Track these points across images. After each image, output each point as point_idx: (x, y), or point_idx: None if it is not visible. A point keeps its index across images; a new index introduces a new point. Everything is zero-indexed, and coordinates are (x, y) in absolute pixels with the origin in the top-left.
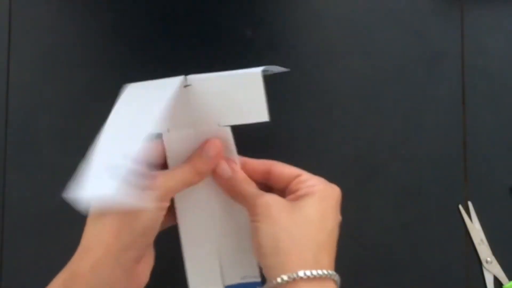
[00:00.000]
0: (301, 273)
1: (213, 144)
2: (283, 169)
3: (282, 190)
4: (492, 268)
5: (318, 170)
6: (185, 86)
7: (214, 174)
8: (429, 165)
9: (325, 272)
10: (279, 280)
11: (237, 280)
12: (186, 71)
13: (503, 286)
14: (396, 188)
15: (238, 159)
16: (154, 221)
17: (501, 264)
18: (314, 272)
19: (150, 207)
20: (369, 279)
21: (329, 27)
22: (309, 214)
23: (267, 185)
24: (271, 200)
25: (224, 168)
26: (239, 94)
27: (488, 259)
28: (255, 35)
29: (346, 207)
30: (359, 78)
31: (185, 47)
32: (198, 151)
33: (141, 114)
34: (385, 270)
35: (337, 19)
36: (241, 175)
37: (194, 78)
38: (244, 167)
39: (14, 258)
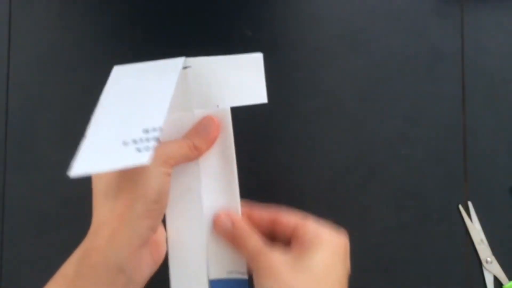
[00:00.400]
0: None
1: (210, 119)
2: (289, 219)
3: (287, 239)
4: (492, 268)
5: (318, 170)
6: (184, 67)
7: (214, 225)
8: (429, 165)
9: None
10: None
11: (222, 275)
12: None
13: (503, 286)
14: (396, 188)
15: (239, 208)
16: (162, 186)
17: (501, 264)
18: None
19: (150, 163)
20: (369, 279)
21: (329, 27)
22: (313, 266)
23: (272, 233)
24: (273, 258)
25: (224, 221)
26: (239, 75)
27: (488, 259)
28: (255, 35)
29: (346, 207)
30: (359, 78)
31: (185, 46)
32: (195, 125)
33: (151, 94)
34: (385, 270)
35: (337, 19)
36: (241, 227)
37: (193, 60)
38: (250, 216)
39: (14, 258)
